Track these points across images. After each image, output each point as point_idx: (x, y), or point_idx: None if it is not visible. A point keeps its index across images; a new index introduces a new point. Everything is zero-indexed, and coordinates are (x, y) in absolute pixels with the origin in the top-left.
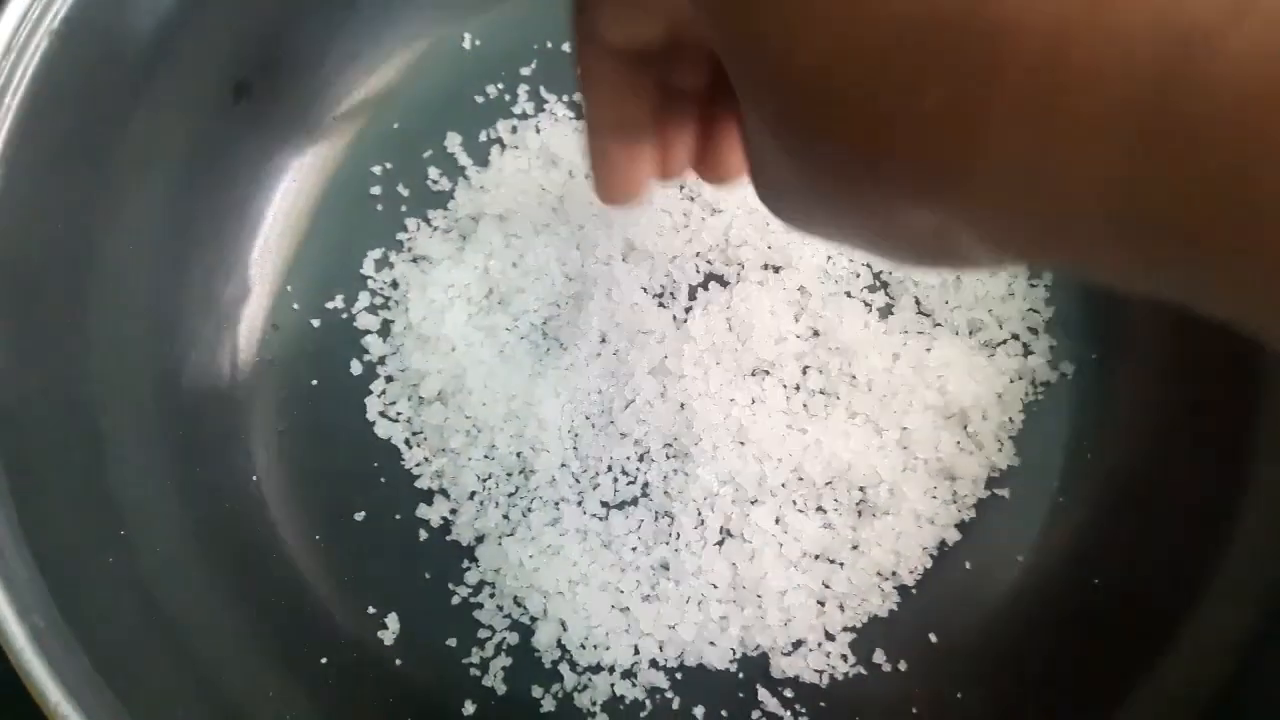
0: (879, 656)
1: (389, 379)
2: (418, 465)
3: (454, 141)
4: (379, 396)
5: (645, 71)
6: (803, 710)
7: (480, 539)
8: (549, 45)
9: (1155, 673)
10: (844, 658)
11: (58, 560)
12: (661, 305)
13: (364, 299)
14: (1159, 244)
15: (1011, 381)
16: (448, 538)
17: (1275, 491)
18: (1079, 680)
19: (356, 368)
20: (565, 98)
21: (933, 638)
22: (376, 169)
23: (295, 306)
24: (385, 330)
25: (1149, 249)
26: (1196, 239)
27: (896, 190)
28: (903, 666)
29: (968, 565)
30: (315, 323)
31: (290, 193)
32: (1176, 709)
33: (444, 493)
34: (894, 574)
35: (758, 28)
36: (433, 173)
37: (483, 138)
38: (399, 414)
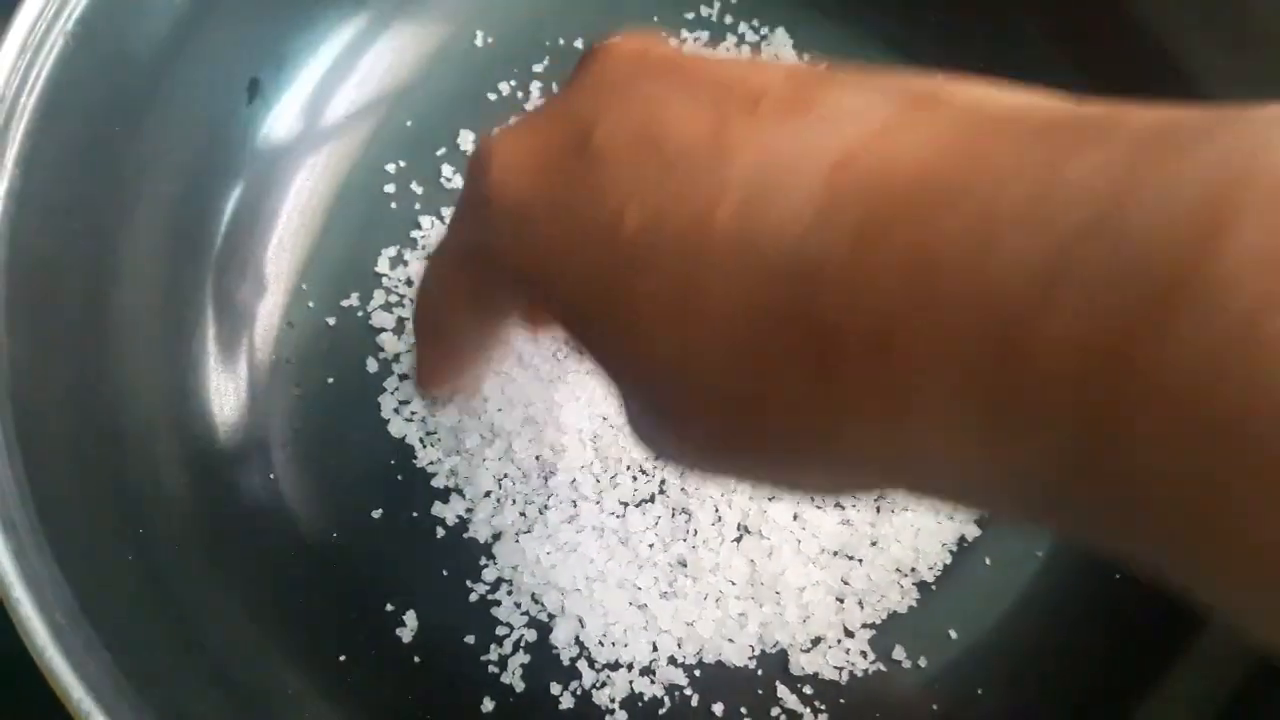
0: (899, 653)
1: (403, 377)
2: (432, 464)
3: (467, 139)
4: (393, 394)
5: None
6: (822, 707)
7: (497, 536)
8: (561, 42)
9: (1177, 670)
10: (863, 654)
11: (77, 558)
12: None
13: (379, 297)
14: (1038, 507)
15: None
16: (465, 535)
17: None
18: (1100, 677)
19: (372, 365)
20: None
21: (953, 634)
22: (390, 167)
23: (310, 304)
24: (400, 328)
25: (1023, 509)
26: (1063, 501)
27: (771, 460)
28: (923, 663)
29: (987, 561)
30: (330, 321)
31: (304, 191)
32: (1197, 706)
33: (459, 491)
34: (913, 570)
35: (611, 331)
36: (446, 170)
37: None
38: (413, 413)
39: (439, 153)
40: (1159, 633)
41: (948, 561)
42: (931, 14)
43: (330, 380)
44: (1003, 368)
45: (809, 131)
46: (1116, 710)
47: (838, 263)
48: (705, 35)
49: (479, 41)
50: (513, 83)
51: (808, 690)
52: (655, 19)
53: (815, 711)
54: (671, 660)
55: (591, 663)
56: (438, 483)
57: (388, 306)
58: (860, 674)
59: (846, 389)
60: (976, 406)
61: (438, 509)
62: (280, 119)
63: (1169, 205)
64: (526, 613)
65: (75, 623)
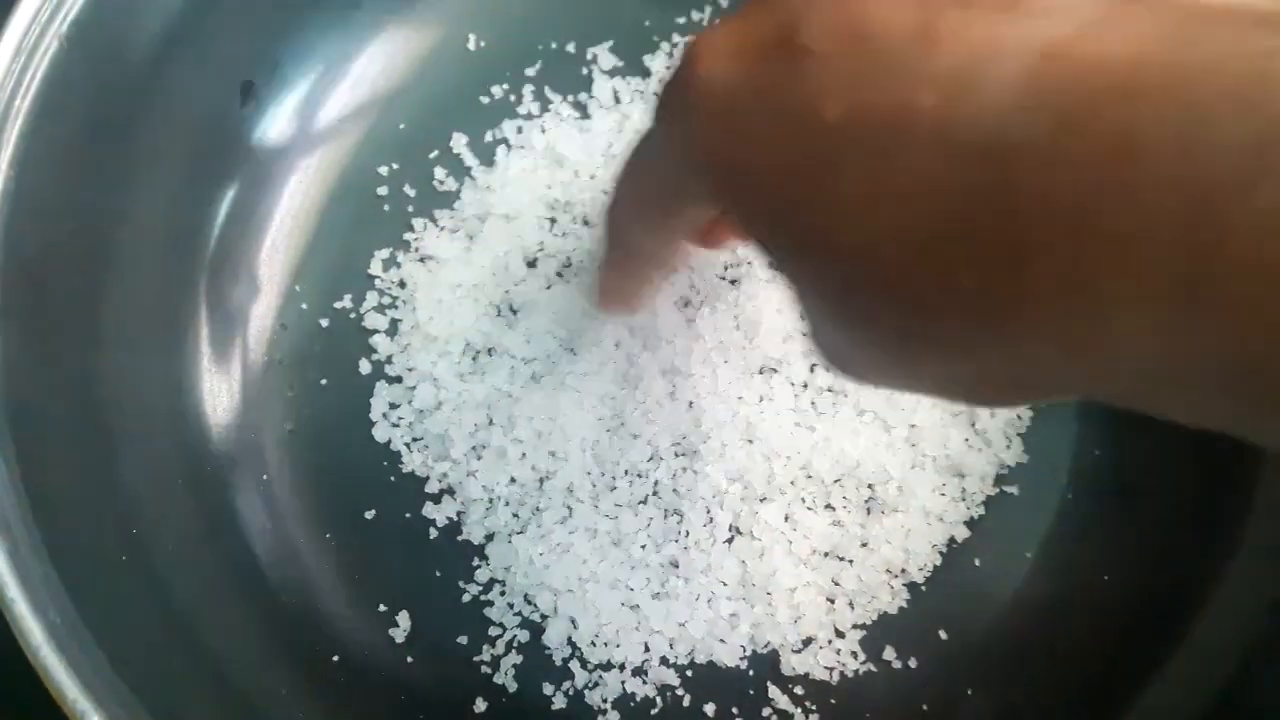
0: (889, 653)
1: (395, 379)
2: (420, 468)
3: (460, 142)
4: (383, 398)
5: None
6: (813, 707)
7: (490, 537)
8: (553, 46)
9: (1165, 670)
10: (854, 655)
11: (72, 557)
12: (676, 308)
13: (372, 299)
14: (1210, 396)
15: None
16: (458, 537)
17: None
18: (1089, 677)
19: (365, 367)
20: (570, 98)
21: (943, 634)
22: (383, 169)
23: (304, 306)
24: (393, 329)
25: (1206, 400)
26: (1243, 389)
27: (953, 353)
28: (913, 664)
29: (977, 562)
30: (324, 322)
31: (297, 193)
32: (1185, 706)
33: (451, 493)
34: (903, 571)
35: (803, 220)
36: (439, 173)
37: (488, 138)
38: (400, 419)
39: (432, 155)
40: (1147, 633)
41: (937, 563)
42: None
43: (323, 382)
44: (1203, 247)
45: (1018, 24)
46: (1105, 711)
47: (1040, 144)
48: None
49: (471, 45)
50: (505, 85)
51: (799, 690)
52: (647, 23)
53: (806, 712)
54: (664, 661)
55: (584, 663)
56: (430, 486)
57: (380, 309)
58: (851, 674)
59: (1039, 274)
60: (1172, 287)
61: (430, 510)
62: (274, 121)
63: None
64: (519, 613)
65: (70, 622)
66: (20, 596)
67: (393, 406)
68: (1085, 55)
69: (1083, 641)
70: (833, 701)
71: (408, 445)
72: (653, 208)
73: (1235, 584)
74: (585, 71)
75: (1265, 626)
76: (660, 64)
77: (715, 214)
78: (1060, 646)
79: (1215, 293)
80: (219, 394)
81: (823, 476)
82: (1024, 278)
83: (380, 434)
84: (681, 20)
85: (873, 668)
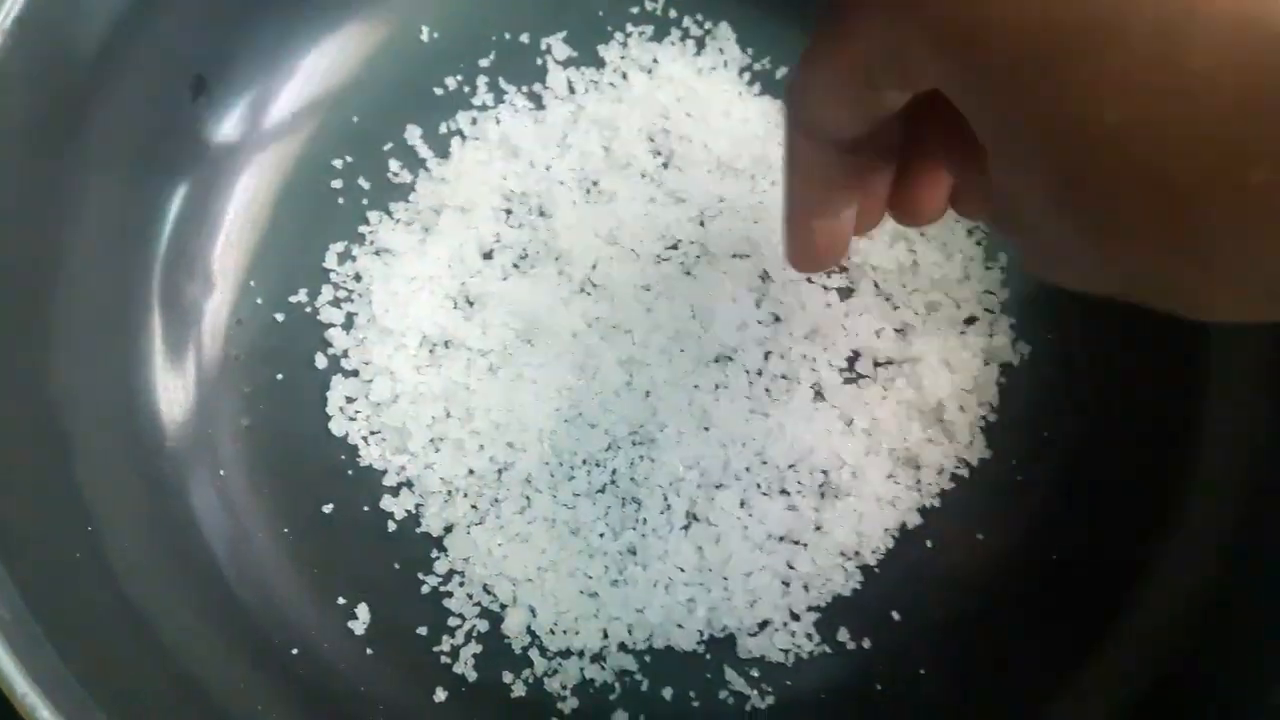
0: (843, 635)
1: (352, 373)
2: (377, 461)
3: (414, 134)
4: (340, 392)
5: (851, 152)
6: (769, 689)
7: (449, 529)
8: (507, 37)
9: (1109, 645)
10: (809, 637)
11: (25, 554)
12: (634, 297)
13: (327, 292)
14: None
15: (986, 364)
16: (417, 529)
17: (1221, 473)
18: (1037, 653)
19: (321, 361)
20: (524, 89)
21: (895, 615)
22: (337, 162)
23: (259, 301)
24: (349, 323)
25: None
26: None
27: (1192, 261)
28: (866, 644)
29: (928, 544)
30: (279, 317)
31: (251, 187)
32: (1129, 680)
33: (410, 485)
34: (856, 554)
35: (1055, 91)
36: (393, 165)
37: (443, 130)
38: (357, 412)
39: (386, 148)
40: (1092, 611)
41: (890, 545)
42: None
43: (280, 377)
44: None
45: None
46: (1053, 683)
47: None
48: (650, 29)
49: (424, 37)
50: (459, 77)
51: (754, 673)
52: (600, 13)
53: (762, 694)
54: (622, 646)
55: (543, 651)
56: (389, 479)
57: (336, 302)
58: (806, 656)
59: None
60: None
61: (388, 503)
62: (226, 116)
63: None
64: (478, 603)
65: (20, 618)
66: None
67: (349, 400)
68: None
69: (1031, 620)
70: (788, 683)
71: (365, 439)
72: (846, 92)
73: (1175, 564)
74: (539, 62)
75: (1203, 605)
76: (614, 54)
77: (915, 96)
78: (1010, 623)
79: None
80: (173, 391)
81: (777, 462)
82: None
83: (338, 428)
84: (635, 10)
85: (827, 649)
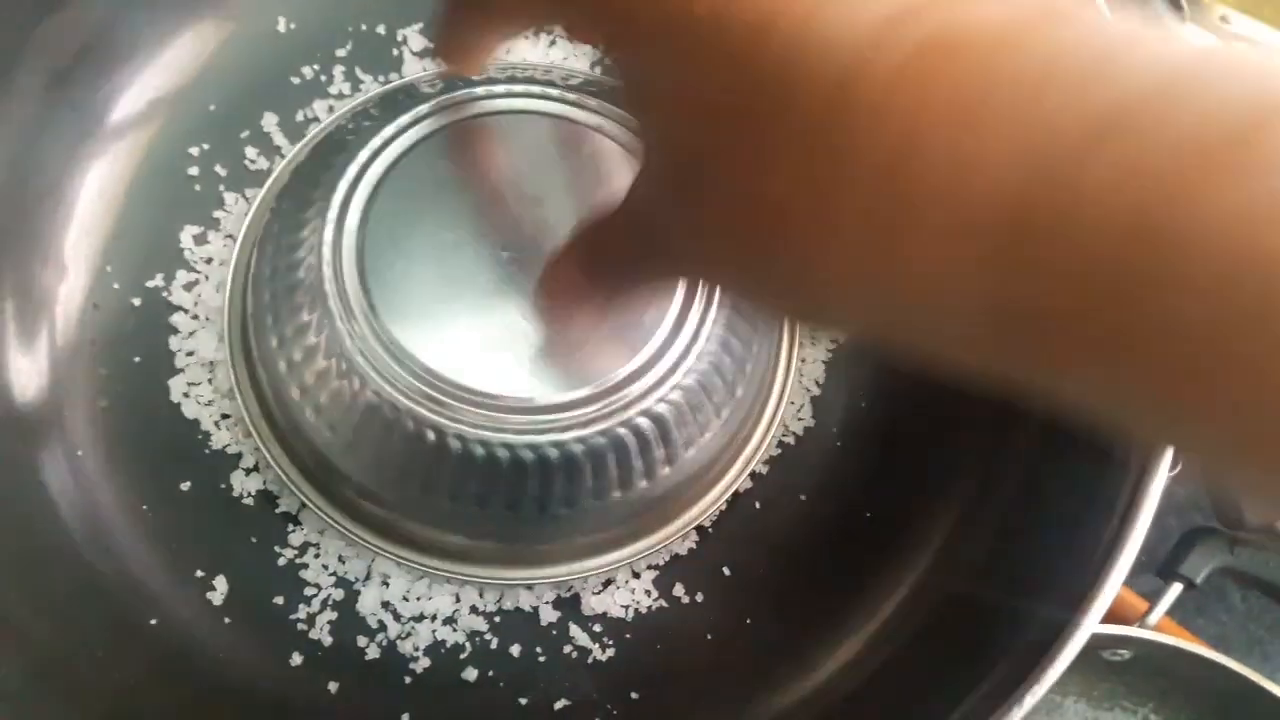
0: (679, 590)
1: (191, 353)
2: (229, 445)
3: (270, 122)
4: (184, 377)
5: None
6: (610, 642)
7: (304, 504)
8: (363, 28)
9: (910, 587)
10: (648, 593)
11: None
12: None
13: (182, 276)
14: (1026, 351)
15: (813, 342)
16: (272, 505)
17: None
18: (852, 598)
19: (174, 344)
20: (380, 78)
21: (726, 571)
22: (194, 150)
23: (115, 286)
24: (197, 308)
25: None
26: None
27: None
28: (700, 598)
29: (757, 505)
30: (136, 302)
31: (107, 175)
32: (927, 607)
33: (259, 468)
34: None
35: (660, 63)
36: (250, 152)
37: (300, 118)
38: (201, 396)
39: (243, 135)
40: (899, 559)
41: (723, 508)
42: None
43: (137, 359)
44: (1034, 202)
45: None
46: (864, 618)
47: (884, 73)
48: None
49: (281, 27)
50: (316, 67)
51: (597, 628)
52: None
53: (604, 647)
54: (473, 609)
55: (397, 616)
56: (244, 461)
57: (188, 286)
58: (645, 611)
59: (857, 198)
60: (994, 238)
61: (244, 481)
62: (79, 105)
63: (1232, 87)
64: (334, 573)
65: None
66: None
67: (193, 385)
68: (949, 15)
69: (847, 569)
70: (628, 636)
71: (216, 423)
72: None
73: (967, 514)
74: (395, 53)
75: (992, 550)
76: None
77: None
78: (829, 575)
79: (1039, 247)
80: (26, 375)
81: None
82: (843, 207)
83: (188, 411)
84: None
85: (664, 603)
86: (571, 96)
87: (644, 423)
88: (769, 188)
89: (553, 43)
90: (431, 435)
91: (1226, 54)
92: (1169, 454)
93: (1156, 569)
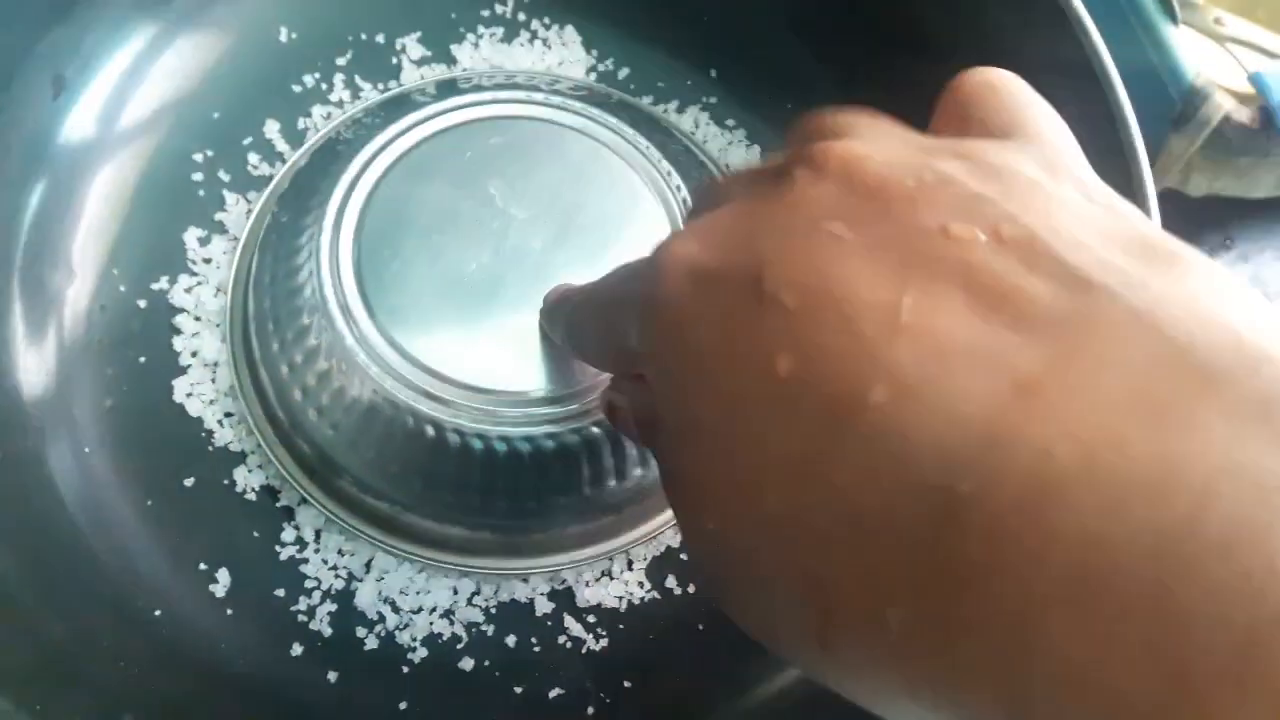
0: (670, 581)
1: (194, 354)
2: (233, 442)
3: (273, 129)
4: (188, 378)
5: None
6: (603, 632)
7: (304, 501)
8: (363, 37)
9: None
10: (640, 585)
11: None
12: None
13: (184, 280)
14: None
15: None
16: (274, 500)
17: None
18: None
19: (178, 345)
20: (379, 86)
21: None
22: (197, 156)
23: (121, 288)
24: (200, 309)
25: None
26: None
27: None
28: (691, 589)
29: None
30: (141, 303)
31: (113, 180)
32: None
33: (264, 466)
34: None
35: (723, 445)
36: (253, 159)
37: (301, 124)
38: (204, 396)
39: (245, 142)
40: None
41: None
42: (707, 15)
43: (142, 360)
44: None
45: (994, 334)
46: None
47: (981, 520)
48: (501, 31)
49: (283, 37)
50: (317, 75)
51: (591, 619)
52: (453, 15)
53: (597, 637)
54: (470, 601)
55: (395, 608)
56: (249, 459)
57: (192, 288)
58: (638, 601)
59: (971, 618)
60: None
61: (246, 478)
62: (87, 113)
63: None
64: (334, 567)
65: None
66: None
67: (196, 385)
68: (1061, 413)
69: None
70: (621, 626)
71: (220, 422)
72: (595, 331)
73: None
74: (395, 61)
75: None
76: (466, 54)
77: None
78: None
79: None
80: (35, 374)
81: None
82: (955, 619)
83: (192, 410)
84: (485, 13)
85: (657, 595)
86: (556, 100)
87: None
88: (822, 588)
89: (547, 49)
90: (431, 430)
91: None
92: None
93: None
